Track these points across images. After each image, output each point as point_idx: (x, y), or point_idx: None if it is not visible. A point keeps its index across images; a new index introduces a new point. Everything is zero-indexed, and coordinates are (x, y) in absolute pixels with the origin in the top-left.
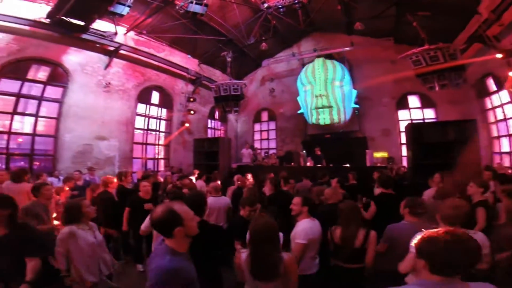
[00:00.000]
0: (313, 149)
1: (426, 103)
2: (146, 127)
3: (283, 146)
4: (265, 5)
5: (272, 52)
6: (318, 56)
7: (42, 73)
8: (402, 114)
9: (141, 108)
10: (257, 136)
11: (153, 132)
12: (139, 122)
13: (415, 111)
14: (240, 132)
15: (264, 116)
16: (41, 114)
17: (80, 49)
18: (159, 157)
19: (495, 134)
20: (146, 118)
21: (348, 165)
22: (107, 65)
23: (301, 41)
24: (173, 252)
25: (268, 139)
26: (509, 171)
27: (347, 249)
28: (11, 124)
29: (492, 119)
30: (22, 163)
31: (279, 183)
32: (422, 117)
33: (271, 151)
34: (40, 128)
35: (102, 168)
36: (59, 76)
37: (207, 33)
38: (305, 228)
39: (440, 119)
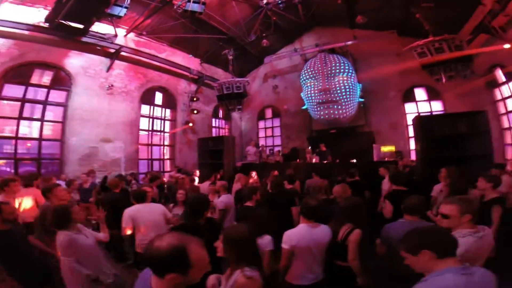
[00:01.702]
0: (318, 145)
1: (433, 95)
2: (150, 128)
3: (289, 142)
4: (264, 1)
5: (274, 48)
6: (321, 51)
7: (46, 78)
8: (409, 107)
9: (145, 109)
10: (261, 134)
11: (158, 133)
12: (144, 123)
13: (422, 104)
14: (245, 130)
15: (268, 113)
16: (46, 118)
17: (81, 52)
18: (165, 157)
19: (506, 125)
20: (151, 119)
21: (354, 161)
22: (109, 67)
23: (302, 36)
24: None
25: (273, 136)
26: None
27: (331, 243)
28: (17, 129)
29: (502, 110)
30: (30, 168)
31: (281, 182)
32: (429, 110)
33: (276, 148)
34: (47, 132)
35: (109, 170)
36: (62, 80)
37: (207, 32)
38: (290, 233)
39: (448, 111)
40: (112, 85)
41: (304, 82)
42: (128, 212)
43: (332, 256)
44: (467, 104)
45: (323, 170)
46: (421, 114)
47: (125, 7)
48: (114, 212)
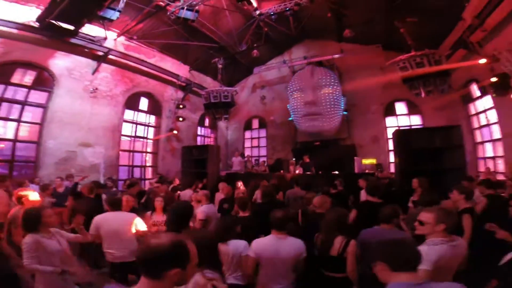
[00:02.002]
0: (302, 157)
1: (413, 109)
2: (133, 134)
3: (274, 153)
4: (257, 12)
5: (263, 59)
6: (308, 63)
7: (28, 77)
8: (390, 121)
9: (129, 114)
10: (247, 144)
11: (141, 139)
12: (127, 129)
13: (402, 118)
14: (231, 139)
15: (255, 123)
16: (25, 119)
17: (68, 54)
18: (147, 164)
19: (479, 139)
20: (134, 125)
21: (337, 172)
22: (95, 70)
23: (292, 48)
24: None
25: (259, 146)
26: (497, 176)
27: (324, 257)
28: None
29: (476, 124)
30: (1, 170)
31: (272, 192)
32: (409, 124)
33: (261, 159)
34: (23, 133)
35: (87, 175)
36: (44, 81)
37: (198, 39)
38: (256, 242)
39: (426, 125)
40: (96, 89)
41: (291, 93)
42: (96, 219)
43: (324, 268)
44: (444, 118)
45: (306, 181)
46: (401, 128)
47: (118, 11)
48: (87, 218)
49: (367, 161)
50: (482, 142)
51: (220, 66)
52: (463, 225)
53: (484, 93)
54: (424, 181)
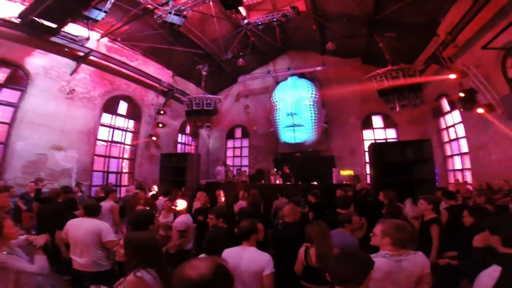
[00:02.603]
0: (282, 168)
1: (388, 123)
2: (110, 139)
3: (256, 163)
4: (246, 21)
5: (248, 68)
6: (292, 75)
7: (1, 75)
8: (367, 134)
9: (106, 118)
10: (229, 153)
11: (118, 144)
12: (103, 133)
13: (378, 131)
14: (212, 148)
15: (238, 133)
16: None
17: (46, 52)
18: (124, 171)
19: (448, 153)
20: (111, 129)
21: (315, 183)
22: (74, 71)
23: (277, 59)
24: None
25: (241, 156)
26: (467, 186)
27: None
28: None
29: (446, 138)
30: None
31: (259, 202)
32: (384, 137)
33: (243, 168)
34: None
35: (57, 180)
36: (18, 79)
37: (184, 45)
38: (225, 251)
39: (401, 138)
40: (73, 90)
41: (274, 104)
42: (68, 223)
43: (302, 279)
44: (417, 132)
45: (286, 191)
46: (376, 141)
47: (104, 11)
48: (55, 221)
49: (345, 173)
50: (452, 156)
51: (204, 73)
52: (432, 235)
53: (453, 107)
54: (389, 193)
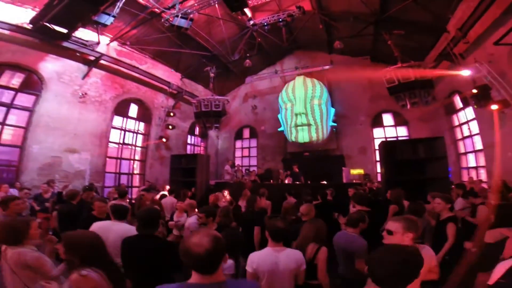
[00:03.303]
0: (291, 167)
1: (399, 121)
2: (121, 141)
3: (264, 163)
4: (251, 22)
5: (255, 69)
6: (299, 74)
7: (16, 80)
8: (377, 132)
9: (118, 121)
10: (238, 153)
11: (129, 146)
12: (115, 136)
13: (389, 129)
14: (221, 149)
15: (246, 133)
16: (9, 122)
17: (59, 57)
18: (135, 172)
19: (462, 150)
20: (122, 132)
21: (325, 182)
22: (86, 75)
23: (284, 59)
24: None
25: (249, 156)
26: (482, 184)
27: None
28: None
29: (459, 135)
30: None
31: (252, 202)
32: (395, 135)
33: (252, 168)
34: (6, 137)
35: (71, 181)
36: (33, 84)
37: (191, 47)
38: (253, 256)
39: (412, 136)
40: (85, 94)
41: (281, 104)
42: (93, 226)
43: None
44: (428, 129)
45: (295, 191)
46: (387, 140)
47: (113, 16)
48: (70, 223)
49: (355, 171)
50: (465, 153)
51: (212, 74)
52: (448, 233)
53: (466, 104)
54: (396, 192)
